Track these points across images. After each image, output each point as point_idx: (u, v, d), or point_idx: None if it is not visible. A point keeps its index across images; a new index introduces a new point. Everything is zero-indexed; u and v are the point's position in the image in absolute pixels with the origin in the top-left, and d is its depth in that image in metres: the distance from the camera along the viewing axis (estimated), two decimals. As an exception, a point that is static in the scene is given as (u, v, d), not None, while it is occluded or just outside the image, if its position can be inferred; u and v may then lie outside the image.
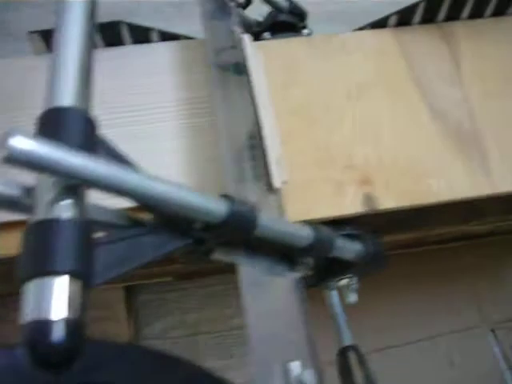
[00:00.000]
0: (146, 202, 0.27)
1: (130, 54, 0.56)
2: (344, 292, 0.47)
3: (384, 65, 0.57)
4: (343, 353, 0.45)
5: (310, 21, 0.67)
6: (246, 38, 0.56)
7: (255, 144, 0.46)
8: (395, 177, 0.48)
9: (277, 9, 0.66)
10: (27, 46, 0.56)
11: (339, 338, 0.46)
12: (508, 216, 0.58)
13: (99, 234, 0.26)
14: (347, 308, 0.49)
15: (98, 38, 0.56)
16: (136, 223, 0.29)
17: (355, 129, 0.51)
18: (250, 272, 0.37)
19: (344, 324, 0.47)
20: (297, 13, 0.67)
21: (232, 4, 0.62)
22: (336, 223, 0.45)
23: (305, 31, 0.66)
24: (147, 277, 0.64)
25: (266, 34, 0.64)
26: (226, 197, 0.31)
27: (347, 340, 0.46)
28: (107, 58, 0.54)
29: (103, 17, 0.52)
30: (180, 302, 0.70)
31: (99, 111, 0.29)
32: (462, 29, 0.60)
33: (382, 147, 0.50)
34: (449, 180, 0.48)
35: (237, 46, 0.55)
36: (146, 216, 0.30)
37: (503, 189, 0.48)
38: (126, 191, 0.25)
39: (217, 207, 0.30)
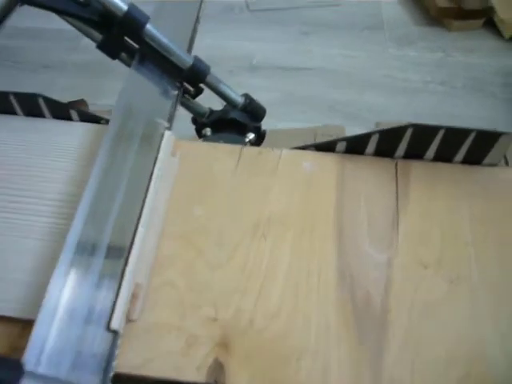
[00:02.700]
0: None
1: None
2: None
3: (311, 196, 0.48)
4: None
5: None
6: (167, 136, 0.50)
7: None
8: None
9: (230, 103, 0.60)
10: None
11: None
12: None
13: None
14: None
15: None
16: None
17: (244, 275, 0.43)
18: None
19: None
20: (252, 112, 0.61)
21: (176, 92, 0.56)
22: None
23: (250, 136, 0.59)
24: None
25: (207, 131, 0.59)
26: None
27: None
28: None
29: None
30: None
31: None
32: (419, 170, 0.51)
33: (266, 303, 0.41)
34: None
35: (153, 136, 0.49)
36: None
37: None
38: None
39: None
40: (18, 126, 0.51)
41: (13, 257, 0.41)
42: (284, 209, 0.48)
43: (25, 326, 0.39)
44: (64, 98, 0.53)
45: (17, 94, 0.51)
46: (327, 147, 0.53)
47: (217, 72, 0.59)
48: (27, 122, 0.52)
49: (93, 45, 0.56)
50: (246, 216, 0.47)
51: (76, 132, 0.51)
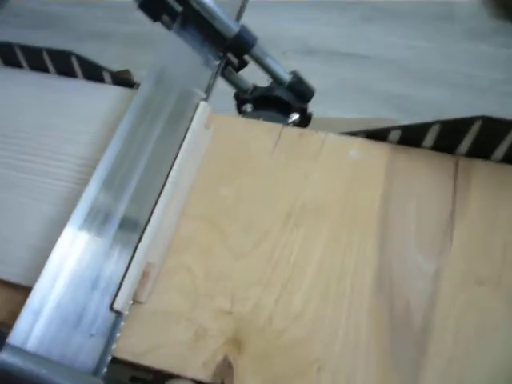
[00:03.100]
0: None
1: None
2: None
3: (355, 188, 0.43)
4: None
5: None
6: (203, 106, 0.46)
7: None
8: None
9: (276, 80, 0.55)
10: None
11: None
12: None
13: None
14: None
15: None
16: None
17: (269, 267, 0.39)
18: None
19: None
20: (299, 91, 0.55)
21: (217, 62, 0.52)
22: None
23: (294, 117, 0.54)
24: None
25: (247, 107, 0.54)
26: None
27: None
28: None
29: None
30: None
31: None
32: (484, 171, 0.44)
33: (290, 301, 0.37)
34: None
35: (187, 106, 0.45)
36: None
37: None
38: None
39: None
40: (48, 83, 0.49)
41: (23, 220, 0.39)
42: (322, 198, 0.42)
43: (27, 293, 0.36)
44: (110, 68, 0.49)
45: (50, 51, 0.49)
46: (379, 135, 0.47)
47: (269, 53, 0.54)
48: (58, 81, 0.49)
49: (143, 17, 0.52)
50: (278, 202, 0.42)
51: (107, 95, 0.48)
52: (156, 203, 0.39)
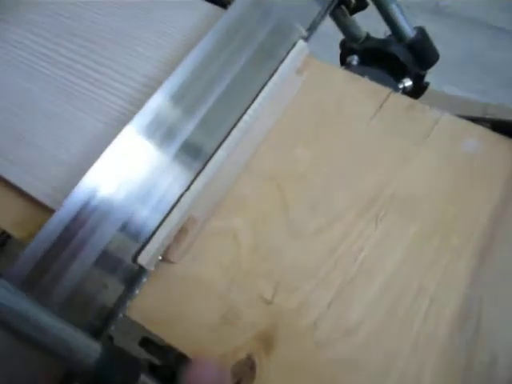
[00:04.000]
0: None
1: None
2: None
3: (465, 187, 0.34)
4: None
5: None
6: (300, 46, 0.38)
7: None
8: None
9: (396, 33, 0.45)
10: None
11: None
12: None
13: None
14: None
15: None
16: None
17: (331, 259, 0.31)
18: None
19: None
20: (421, 53, 0.45)
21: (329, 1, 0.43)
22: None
23: (406, 83, 0.44)
24: None
25: (353, 59, 0.45)
26: None
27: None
28: None
29: None
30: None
31: None
32: None
33: (346, 310, 0.30)
34: None
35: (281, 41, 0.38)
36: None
37: None
38: None
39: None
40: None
41: (69, 134, 0.34)
42: (419, 191, 0.34)
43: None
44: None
45: None
46: (508, 128, 0.37)
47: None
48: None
49: None
50: (363, 183, 0.34)
51: (195, 10, 0.41)
52: (220, 145, 0.32)
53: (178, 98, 0.33)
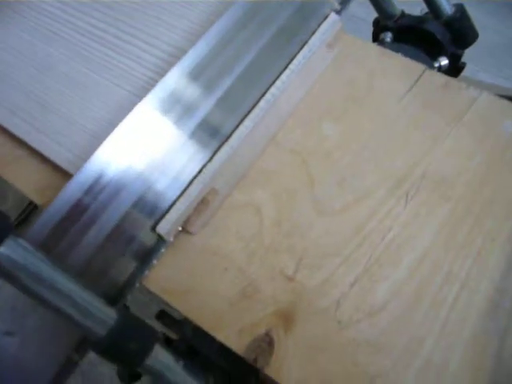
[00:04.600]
0: None
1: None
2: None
3: (501, 171, 0.32)
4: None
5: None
6: (332, 19, 0.37)
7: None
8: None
9: (433, 10, 0.43)
10: None
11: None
12: None
13: None
14: None
15: None
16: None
17: (357, 237, 0.30)
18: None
19: None
20: (458, 31, 0.43)
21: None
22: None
23: (442, 61, 0.42)
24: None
25: (387, 35, 0.43)
26: None
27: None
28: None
29: None
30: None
31: None
32: None
33: (370, 289, 0.28)
34: None
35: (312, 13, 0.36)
36: None
37: None
38: None
39: None
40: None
41: (92, 101, 0.33)
42: (452, 171, 0.32)
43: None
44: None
45: None
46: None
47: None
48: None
49: None
50: (393, 161, 0.33)
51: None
52: (245, 118, 0.31)
53: (195, 75, 0.32)
